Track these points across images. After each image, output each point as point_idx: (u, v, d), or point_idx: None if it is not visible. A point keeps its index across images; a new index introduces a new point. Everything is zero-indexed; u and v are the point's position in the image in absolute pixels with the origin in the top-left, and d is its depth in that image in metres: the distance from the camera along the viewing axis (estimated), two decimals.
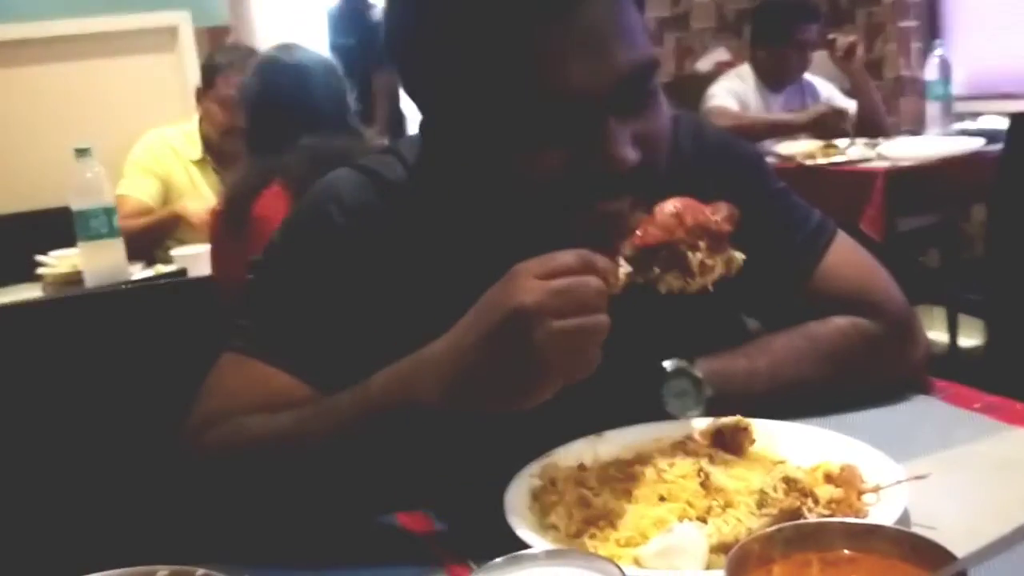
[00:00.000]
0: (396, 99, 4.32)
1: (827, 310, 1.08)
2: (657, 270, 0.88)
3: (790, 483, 0.81)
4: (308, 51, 2.39)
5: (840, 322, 1.08)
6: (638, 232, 0.88)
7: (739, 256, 0.90)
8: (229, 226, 2.19)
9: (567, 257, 0.80)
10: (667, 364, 1.02)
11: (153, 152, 3.27)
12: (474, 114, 0.91)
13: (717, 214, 0.89)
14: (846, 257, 1.13)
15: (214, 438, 0.96)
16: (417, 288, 1.01)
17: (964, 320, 3.68)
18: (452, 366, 0.83)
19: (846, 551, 0.69)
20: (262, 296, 1.05)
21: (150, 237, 3.02)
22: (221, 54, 3.27)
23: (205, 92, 3.21)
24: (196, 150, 3.28)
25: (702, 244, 0.88)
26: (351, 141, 2.21)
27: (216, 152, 3.24)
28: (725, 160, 1.12)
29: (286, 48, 2.37)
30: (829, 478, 0.85)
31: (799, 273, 1.10)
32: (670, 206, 0.89)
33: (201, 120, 3.26)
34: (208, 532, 0.93)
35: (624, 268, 0.85)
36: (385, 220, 1.03)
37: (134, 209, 3.12)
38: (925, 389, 1.11)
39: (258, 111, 2.29)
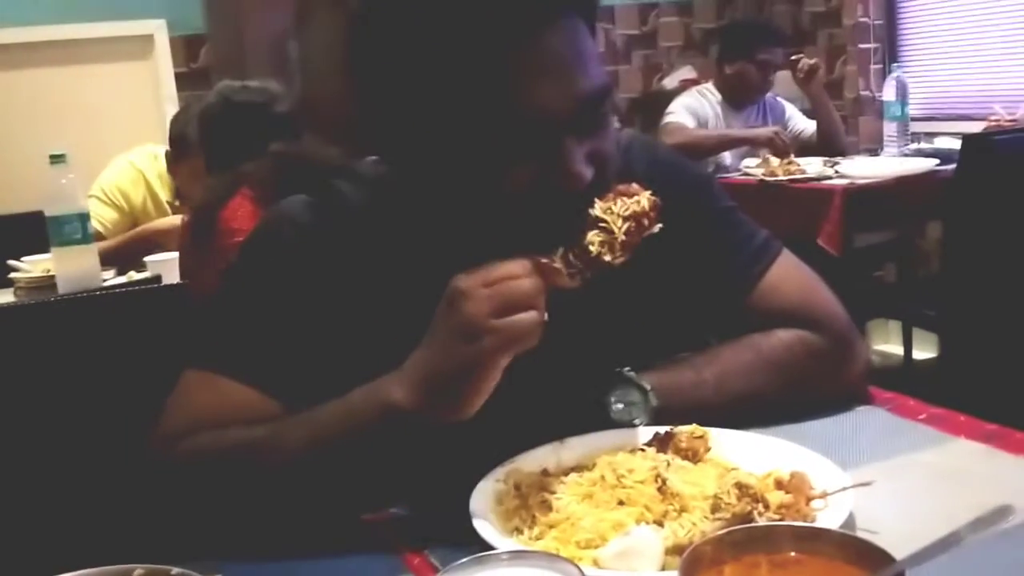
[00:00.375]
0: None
1: (771, 324, 1.12)
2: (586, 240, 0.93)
3: (742, 489, 0.85)
4: (265, 79, 2.54)
5: (784, 335, 1.12)
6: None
7: (645, 194, 0.95)
8: (196, 236, 2.22)
9: (506, 264, 0.89)
10: (614, 373, 1.06)
11: (119, 182, 3.23)
12: (444, 135, 0.95)
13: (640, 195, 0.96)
14: (789, 273, 1.17)
15: (189, 445, 0.98)
16: (375, 303, 1.04)
17: (919, 334, 3.75)
18: (415, 368, 0.91)
19: (793, 553, 0.72)
20: (223, 314, 1.08)
21: (116, 261, 2.91)
22: (191, 128, 3.06)
23: (178, 163, 3.09)
24: (167, 191, 3.24)
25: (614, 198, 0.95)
26: (316, 147, 2.25)
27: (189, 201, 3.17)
28: (674, 180, 1.14)
29: (243, 76, 2.55)
30: (779, 484, 0.89)
31: (741, 288, 1.15)
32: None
33: (176, 180, 3.18)
34: (180, 531, 0.95)
35: (558, 251, 0.92)
36: (339, 239, 1.06)
37: (101, 237, 3.02)
38: (866, 400, 1.16)
39: (219, 128, 2.37)
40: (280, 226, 1.08)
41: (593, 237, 0.92)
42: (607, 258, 0.92)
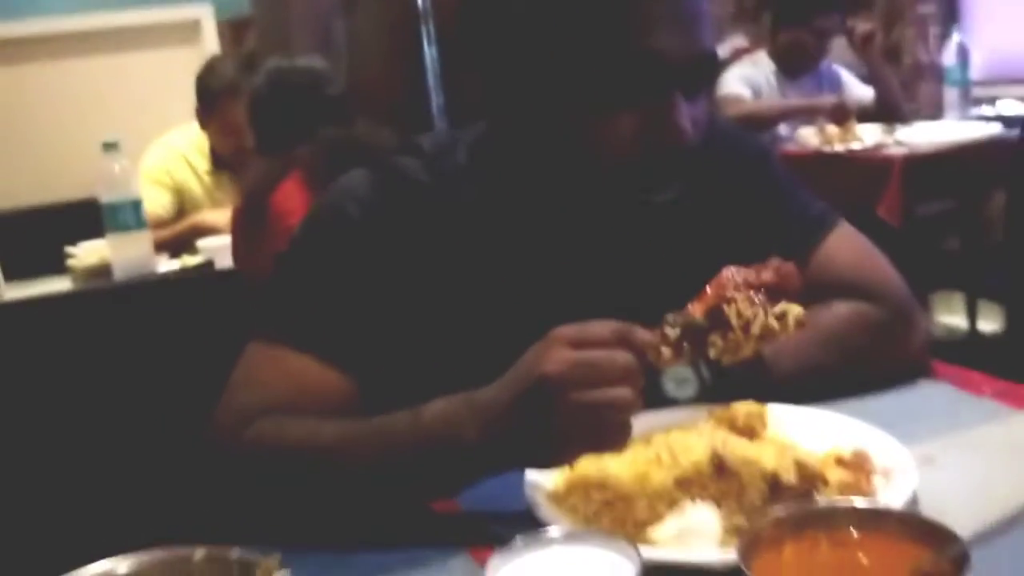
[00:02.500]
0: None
1: (827, 296, 1.10)
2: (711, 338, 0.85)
3: (801, 467, 0.84)
4: (313, 57, 2.51)
5: (841, 308, 1.10)
6: (688, 306, 0.86)
7: (796, 309, 0.85)
8: (248, 222, 2.24)
9: (602, 329, 0.83)
10: None
11: (162, 163, 3.25)
12: (556, 73, 0.95)
13: (764, 272, 0.87)
14: (846, 245, 1.16)
15: (253, 436, 0.97)
16: (442, 278, 1.04)
17: (984, 305, 3.67)
18: (490, 417, 0.86)
19: (855, 532, 0.71)
20: (287, 289, 1.08)
21: (168, 248, 2.95)
22: (213, 77, 3.17)
23: (208, 117, 3.14)
24: (205, 160, 3.25)
25: (739, 296, 0.84)
26: (369, 130, 2.26)
27: (229, 168, 3.20)
28: (732, 152, 1.16)
29: (291, 57, 2.49)
30: (840, 462, 0.87)
31: (796, 259, 1.12)
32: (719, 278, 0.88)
33: (209, 135, 3.22)
34: (240, 515, 0.96)
35: (673, 333, 0.84)
36: (403, 214, 1.06)
37: (152, 223, 2.98)
38: (928, 374, 1.13)
39: (269, 112, 2.36)
40: (344, 202, 1.07)
41: (716, 341, 0.84)
42: (724, 360, 0.85)
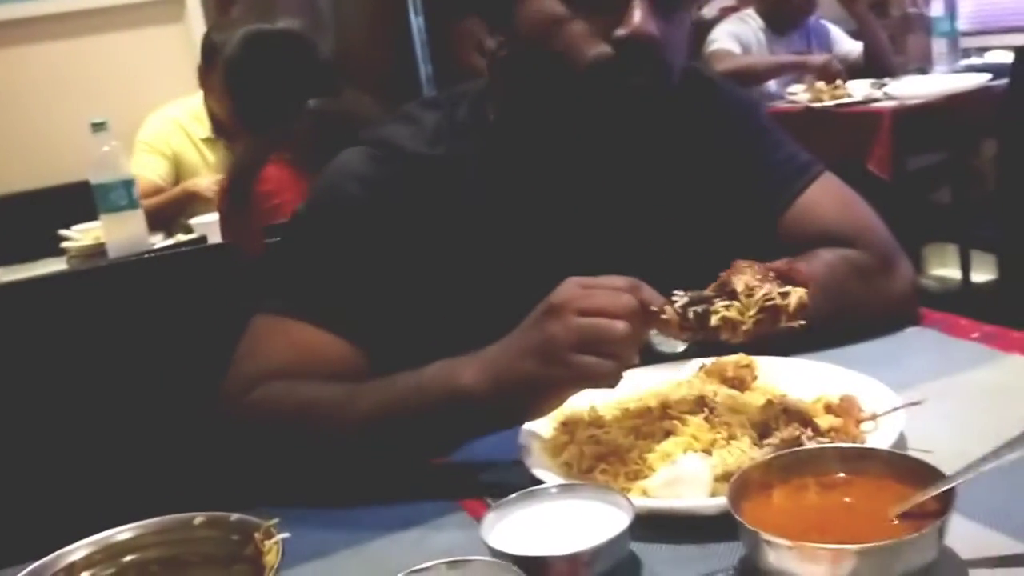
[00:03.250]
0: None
1: (810, 244, 1.12)
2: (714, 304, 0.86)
3: (790, 414, 0.85)
4: (290, 20, 2.35)
5: (825, 253, 1.11)
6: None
7: (800, 291, 0.85)
8: (234, 201, 2.16)
9: (614, 278, 0.86)
10: None
11: (160, 132, 3.25)
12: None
13: (775, 262, 0.88)
14: (829, 193, 1.17)
15: (257, 398, 0.99)
16: (447, 248, 1.06)
17: (977, 256, 3.68)
18: (490, 361, 0.88)
19: (842, 474, 0.73)
20: (292, 263, 1.09)
21: (163, 216, 2.99)
22: (218, 31, 3.06)
23: (208, 73, 3.02)
24: (204, 128, 3.23)
25: (748, 270, 0.86)
26: (357, 100, 2.19)
27: (226, 130, 3.20)
28: (720, 102, 1.19)
29: (267, 19, 2.32)
30: (828, 408, 0.88)
31: (777, 205, 1.15)
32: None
33: (207, 99, 3.14)
34: (238, 481, 0.97)
35: (681, 300, 0.85)
36: (405, 187, 1.07)
37: (144, 190, 3.00)
38: (916, 321, 1.14)
39: (247, 83, 2.21)
40: (343, 181, 1.09)
41: (720, 308, 0.84)
42: (724, 335, 0.85)
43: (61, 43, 4.03)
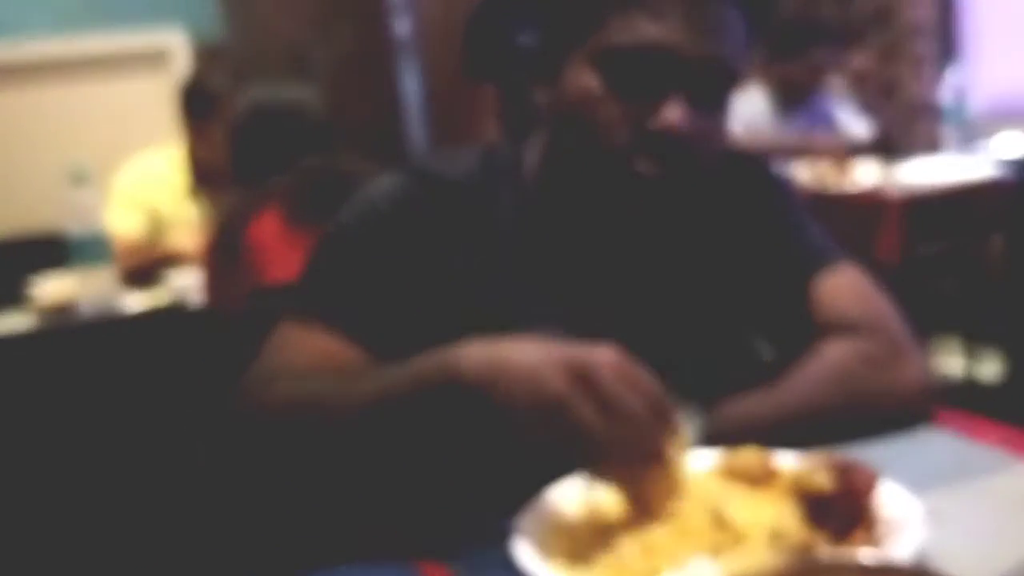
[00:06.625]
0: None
1: (824, 330, 1.11)
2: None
3: (803, 514, 0.81)
4: (298, 87, 2.48)
5: (836, 344, 1.10)
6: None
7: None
8: (223, 255, 2.15)
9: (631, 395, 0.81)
10: None
11: (137, 183, 3.15)
12: (565, 54, 1.04)
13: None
14: (847, 281, 1.16)
15: (270, 393, 1.00)
16: (472, 275, 1.08)
17: (982, 350, 3.65)
18: (496, 351, 0.86)
19: None
20: (318, 274, 1.11)
21: (140, 274, 2.82)
22: (213, 80, 3.11)
23: (209, 121, 3.04)
24: (182, 180, 3.16)
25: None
26: (351, 159, 2.22)
27: (212, 180, 3.06)
28: (753, 176, 1.22)
29: (275, 86, 2.45)
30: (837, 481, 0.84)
31: (793, 288, 1.14)
32: None
33: (197, 148, 3.11)
34: (211, 549, 0.93)
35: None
36: (434, 208, 1.09)
37: (125, 248, 2.87)
38: (931, 420, 1.11)
39: (250, 141, 2.30)
40: (374, 199, 1.11)
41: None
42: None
43: (41, 90, 3.98)
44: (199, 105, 3.07)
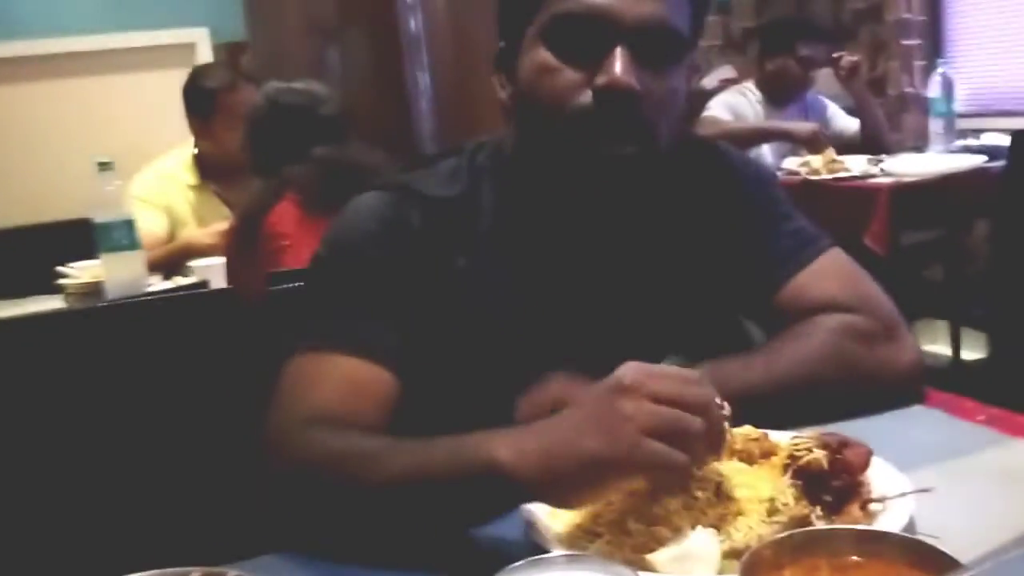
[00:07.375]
0: None
1: (813, 312, 1.13)
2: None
3: (800, 487, 0.84)
4: (311, 80, 2.53)
5: (827, 319, 1.12)
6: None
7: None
8: (243, 242, 2.25)
9: (685, 383, 0.82)
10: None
11: (152, 186, 3.22)
12: (518, 42, 1.08)
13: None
14: (836, 267, 1.18)
15: (306, 441, 0.96)
16: (465, 283, 1.09)
17: (967, 333, 3.69)
18: (534, 436, 0.84)
19: (855, 557, 0.71)
20: (320, 300, 1.10)
21: (160, 268, 2.92)
22: (207, 78, 3.17)
23: (210, 117, 3.12)
24: (192, 176, 3.23)
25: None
26: (362, 150, 2.27)
27: (220, 174, 3.18)
28: (735, 172, 1.23)
29: (288, 79, 2.50)
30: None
31: (782, 274, 1.16)
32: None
33: (202, 145, 3.19)
34: (237, 535, 0.95)
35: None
36: (422, 226, 1.10)
37: (148, 242, 2.91)
38: (921, 399, 1.14)
39: (266, 133, 2.37)
40: (360, 220, 1.11)
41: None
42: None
43: (69, 82, 4.06)
44: (200, 103, 3.12)
